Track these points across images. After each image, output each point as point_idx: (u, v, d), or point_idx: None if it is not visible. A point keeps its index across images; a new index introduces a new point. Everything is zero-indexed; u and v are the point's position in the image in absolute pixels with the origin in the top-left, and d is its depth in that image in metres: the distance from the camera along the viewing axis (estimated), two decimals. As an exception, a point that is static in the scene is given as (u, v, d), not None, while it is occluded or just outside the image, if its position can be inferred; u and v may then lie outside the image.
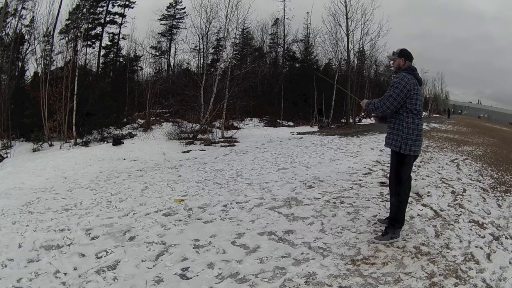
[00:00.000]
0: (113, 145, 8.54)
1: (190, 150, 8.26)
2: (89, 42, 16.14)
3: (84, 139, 9.52)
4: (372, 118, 3.23)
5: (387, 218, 2.85)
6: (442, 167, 5.70)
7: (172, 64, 20.53)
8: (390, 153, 2.78)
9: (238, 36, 18.01)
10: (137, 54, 18.38)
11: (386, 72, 27.00)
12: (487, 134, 14.70)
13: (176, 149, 8.37)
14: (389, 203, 2.87)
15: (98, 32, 16.86)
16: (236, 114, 12.63)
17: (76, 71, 9.87)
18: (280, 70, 20.48)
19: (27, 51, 12.68)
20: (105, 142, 9.27)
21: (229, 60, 12.84)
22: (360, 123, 18.50)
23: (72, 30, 12.56)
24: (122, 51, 18.19)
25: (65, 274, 2.26)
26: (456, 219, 3.16)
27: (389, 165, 3.07)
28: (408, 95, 2.53)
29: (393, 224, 2.63)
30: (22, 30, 12.33)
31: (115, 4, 17.25)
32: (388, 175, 3.09)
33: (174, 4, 19.96)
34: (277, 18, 21.33)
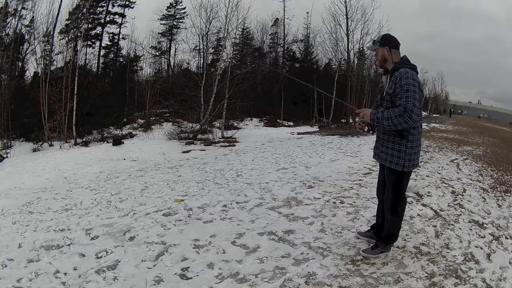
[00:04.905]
0: (113, 145, 8.55)
1: (190, 150, 8.26)
2: (89, 42, 16.15)
3: (84, 139, 9.53)
4: (366, 129, 2.35)
5: (368, 231, 2.68)
6: (442, 167, 5.70)
7: (172, 64, 20.57)
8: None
9: (238, 36, 18.03)
10: (137, 54, 18.43)
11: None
12: (487, 134, 14.69)
13: (176, 149, 8.37)
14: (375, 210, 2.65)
15: (98, 32, 16.88)
16: (236, 114, 12.63)
17: (76, 71, 9.89)
18: (280, 70, 20.48)
19: (27, 51, 12.69)
20: (105, 142, 9.28)
21: (229, 60, 12.85)
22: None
23: (72, 30, 12.55)
24: (122, 51, 18.23)
25: (65, 274, 2.26)
26: (456, 219, 3.16)
27: None
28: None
29: (387, 241, 2.39)
30: (22, 30, 12.34)
31: (115, 4, 17.27)
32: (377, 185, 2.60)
33: (174, 4, 19.98)
34: (277, 18, 21.33)
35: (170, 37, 20.11)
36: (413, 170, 2.33)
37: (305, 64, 20.54)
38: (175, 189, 4.34)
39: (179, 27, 19.90)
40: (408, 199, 3.66)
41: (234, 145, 9.18)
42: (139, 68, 19.26)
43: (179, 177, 5.12)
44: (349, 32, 17.13)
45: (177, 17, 20.04)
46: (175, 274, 2.22)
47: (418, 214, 3.24)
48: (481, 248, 2.55)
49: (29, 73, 13.32)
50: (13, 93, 10.39)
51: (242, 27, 18.33)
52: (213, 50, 17.29)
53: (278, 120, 16.36)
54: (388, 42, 2.23)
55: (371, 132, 2.35)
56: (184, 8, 19.57)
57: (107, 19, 17.10)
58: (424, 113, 36.28)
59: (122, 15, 17.48)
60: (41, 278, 2.21)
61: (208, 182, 4.67)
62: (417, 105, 1.97)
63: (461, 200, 3.76)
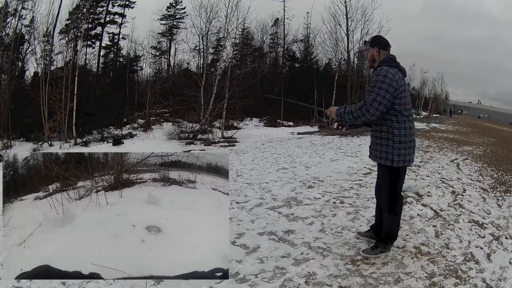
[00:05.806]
0: (113, 145, 8.57)
1: (190, 150, 8.27)
2: (89, 42, 16.15)
3: (84, 139, 9.54)
4: (335, 125, 2.47)
5: (368, 231, 2.68)
6: (442, 167, 5.70)
7: (172, 64, 20.56)
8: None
9: (238, 36, 18.00)
10: (137, 54, 18.43)
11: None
12: (487, 134, 14.69)
13: (176, 149, 8.37)
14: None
15: (98, 32, 16.89)
16: (236, 114, 12.64)
17: (76, 71, 9.90)
18: (280, 70, 20.49)
19: (27, 51, 12.68)
20: (105, 142, 9.29)
21: (229, 60, 12.86)
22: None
23: (72, 30, 12.58)
24: (122, 51, 18.24)
25: (65, 274, 2.26)
26: (456, 219, 3.16)
27: None
28: (395, 94, 2.10)
29: (387, 241, 2.38)
30: (22, 30, 12.34)
31: (115, 4, 17.29)
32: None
33: (174, 4, 19.97)
34: (277, 18, 21.33)
35: (170, 37, 20.11)
36: (407, 166, 2.33)
37: (305, 64, 20.56)
38: (175, 189, 4.33)
39: (179, 27, 19.90)
40: (408, 199, 3.67)
41: (234, 145, 9.19)
42: (139, 68, 19.29)
43: (179, 177, 5.12)
44: (349, 32, 17.18)
45: (177, 17, 20.05)
46: (175, 274, 2.22)
47: (418, 214, 3.23)
48: (481, 248, 2.55)
49: (29, 73, 13.34)
50: (13, 93, 10.39)
51: (242, 27, 18.30)
52: (213, 50, 17.30)
53: (278, 120, 16.38)
54: (378, 43, 2.29)
55: (340, 127, 2.43)
56: (184, 8, 19.57)
57: (107, 19, 17.12)
58: (424, 113, 36.40)
59: (122, 15, 17.50)
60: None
61: (208, 182, 4.67)
62: (377, 99, 2.07)
63: (461, 200, 3.76)
